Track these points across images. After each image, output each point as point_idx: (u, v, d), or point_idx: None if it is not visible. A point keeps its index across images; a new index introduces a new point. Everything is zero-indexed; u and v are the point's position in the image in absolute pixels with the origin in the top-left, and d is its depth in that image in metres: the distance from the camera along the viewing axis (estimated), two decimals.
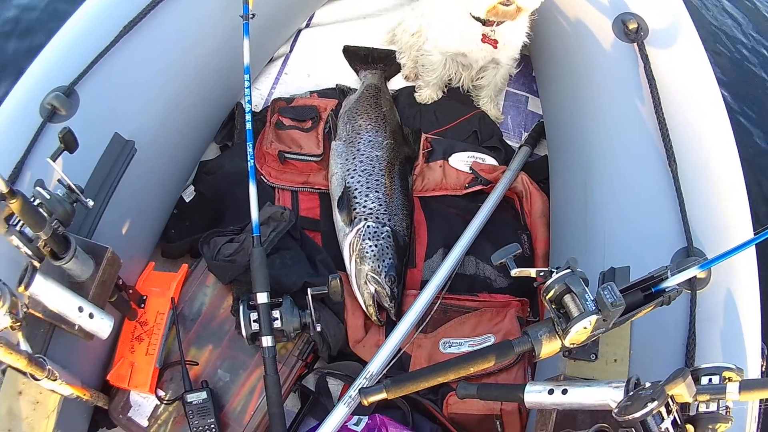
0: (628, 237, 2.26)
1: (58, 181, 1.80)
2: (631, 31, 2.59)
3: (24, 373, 1.66)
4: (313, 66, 3.55)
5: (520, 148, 3.16)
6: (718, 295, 2.03)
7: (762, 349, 2.00)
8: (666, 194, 2.22)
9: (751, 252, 2.10)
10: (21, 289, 1.64)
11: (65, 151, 1.80)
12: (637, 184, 2.34)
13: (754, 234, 1.63)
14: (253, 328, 2.14)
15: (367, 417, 2.27)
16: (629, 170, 2.39)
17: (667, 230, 2.17)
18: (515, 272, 1.63)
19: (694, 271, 1.61)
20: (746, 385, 1.42)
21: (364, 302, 2.56)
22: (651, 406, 1.38)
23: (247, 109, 2.45)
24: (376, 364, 2.31)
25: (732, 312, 2.01)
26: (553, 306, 1.56)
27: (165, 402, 2.27)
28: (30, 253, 1.73)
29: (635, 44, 2.58)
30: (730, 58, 4.92)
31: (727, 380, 1.49)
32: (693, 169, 2.27)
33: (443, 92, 3.38)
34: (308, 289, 2.18)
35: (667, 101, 2.40)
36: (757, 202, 3.62)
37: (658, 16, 2.66)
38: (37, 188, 1.72)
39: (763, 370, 1.98)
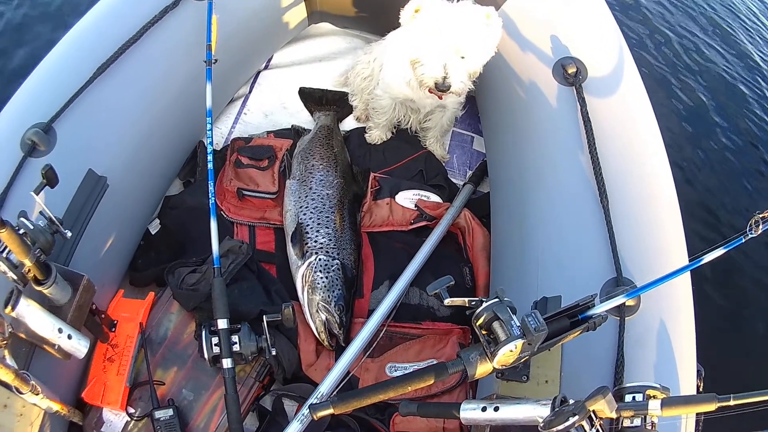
0: (562, 269, 2.34)
1: (40, 212, 1.88)
2: (570, 74, 2.65)
3: (9, 387, 1.75)
4: (271, 106, 3.65)
5: (463, 186, 3.25)
6: (649, 321, 2.10)
7: (699, 370, 2.08)
8: (598, 229, 2.29)
9: (686, 281, 2.18)
10: (8, 310, 1.71)
11: (47, 186, 1.88)
12: (570, 220, 2.41)
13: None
14: (214, 351, 2.23)
15: None
16: (564, 206, 2.46)
17: (598, 262, 2.24)
18: (448, 301, 1.71)
19: (621, 299, 1.74)
20: (668, 402, 1.50)
21: (316, 329, 2.63)
22: (572, 420, 1.46)
23: (209, 150, 2.53)
24: (326, 385, 2.40)
25: (663, 336, 2.08)
26: (483, 331, 1.63)
27: (135, 418, 2.33)
28: (15, 277, 1.78)
29: (574, 87, 2.64)
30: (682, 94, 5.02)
31: (650, 398, 1.58)
32: (626, 204, 2.34)
33: (392, 133, 3.47)
34: (264, 316, 2.27)
35: (602, 141, 2.46)
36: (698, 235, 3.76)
37: (598, 59, 2.72)
38: (21, 219, 1.81)
39: (701, 391, 2.06)
